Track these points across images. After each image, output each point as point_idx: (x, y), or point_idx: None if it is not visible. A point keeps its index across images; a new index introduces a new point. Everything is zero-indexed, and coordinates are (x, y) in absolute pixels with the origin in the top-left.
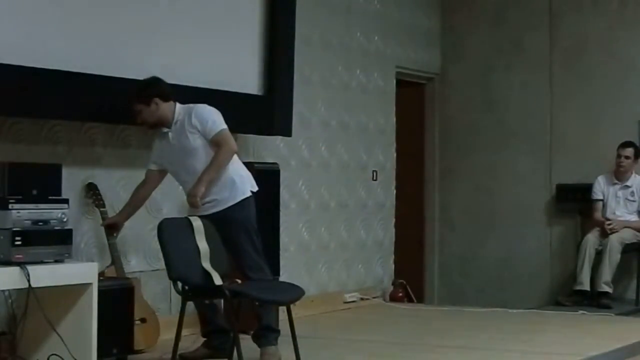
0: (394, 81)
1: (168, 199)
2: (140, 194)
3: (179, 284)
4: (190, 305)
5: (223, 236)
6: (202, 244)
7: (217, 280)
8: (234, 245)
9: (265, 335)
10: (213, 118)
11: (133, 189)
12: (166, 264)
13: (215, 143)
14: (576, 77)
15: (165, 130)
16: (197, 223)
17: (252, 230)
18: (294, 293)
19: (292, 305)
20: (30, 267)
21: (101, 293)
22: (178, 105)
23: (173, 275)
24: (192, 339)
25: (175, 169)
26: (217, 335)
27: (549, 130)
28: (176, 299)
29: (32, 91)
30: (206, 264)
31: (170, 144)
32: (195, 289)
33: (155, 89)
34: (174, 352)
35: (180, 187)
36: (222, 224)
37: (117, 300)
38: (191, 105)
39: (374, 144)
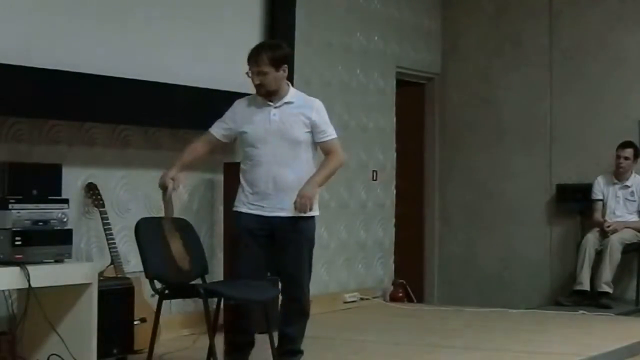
0: (394, 81)
1: None
2: (195, 155)
3: (156, 283)
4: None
5: (283, 244)
6: (178, 243)
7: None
8: (296, 257)
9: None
10: (330, 122)
11: (133, 189)
12: (143, 263)
13: (328, 149)
14: (576, 76)
15: (269, 104)
16: (173, 223)
17: (312, 249)
18: (270, 292)
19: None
20: (30, 267)
21: (101, 293)
22: (291, 87)
23: (150, 274)
24: (193, 339)
25: (265, 151)
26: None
27: (549, 130)
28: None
29: (32, 91)
30: (182, 263)
31: (269, 120)
32: (171, 288)
33: (288, 55)
34: (150, 352)
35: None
36: (288, 231)
37: (117, 300)
38: (307, 96)
39: (374, 144)
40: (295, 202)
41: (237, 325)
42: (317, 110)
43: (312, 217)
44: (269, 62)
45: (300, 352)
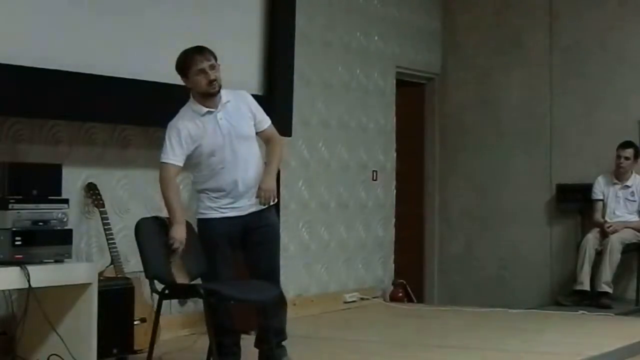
0: (394, 81)
1: None
2: (178, 196)
3: (156, 283)
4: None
5: (258, 239)
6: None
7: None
8: (269, 250)
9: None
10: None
11: (133, 189)
12: (143, 264)
13: (270, 136)
14: (576, 77)
15: (211, 110)
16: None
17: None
18: (269, 293)
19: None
20: (30, 267)
21: (101, 293)
22: None
23: (150, 274)
24: (193, 339)
25: (225, 156)
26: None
27: (549, 130)
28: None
29: (32, 91)
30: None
31: (219, 126)
32: (171, 288)
33: None
34: (150, 352)
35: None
36: (261, 225)
37: (117, 300)
38: (232, 90)
39: (374, 144)
40: (259, 197)
41: (224, 327)
42: (250, 100)
43: (275, 205)
44: (215, 58)
45: (285, 338)
